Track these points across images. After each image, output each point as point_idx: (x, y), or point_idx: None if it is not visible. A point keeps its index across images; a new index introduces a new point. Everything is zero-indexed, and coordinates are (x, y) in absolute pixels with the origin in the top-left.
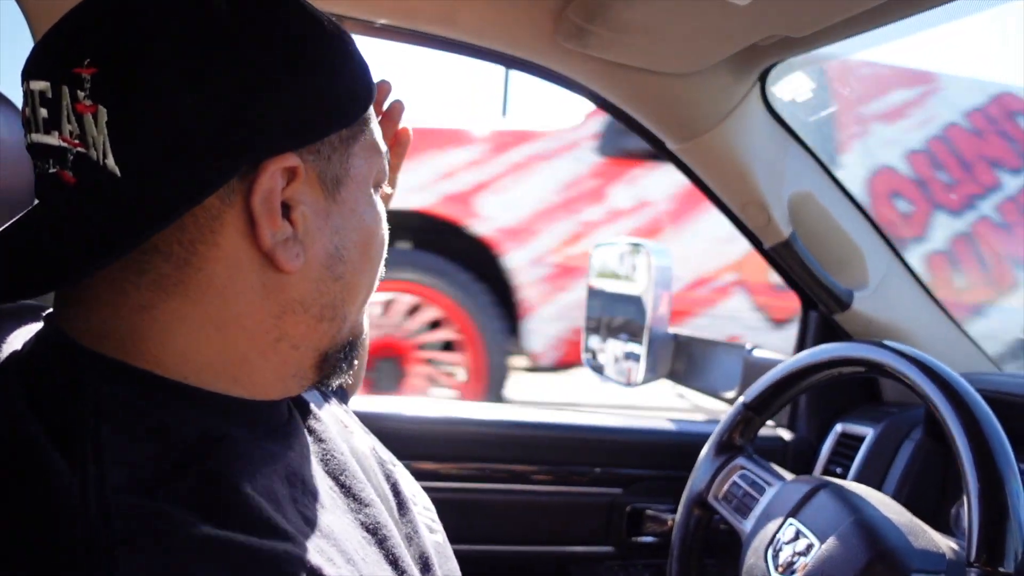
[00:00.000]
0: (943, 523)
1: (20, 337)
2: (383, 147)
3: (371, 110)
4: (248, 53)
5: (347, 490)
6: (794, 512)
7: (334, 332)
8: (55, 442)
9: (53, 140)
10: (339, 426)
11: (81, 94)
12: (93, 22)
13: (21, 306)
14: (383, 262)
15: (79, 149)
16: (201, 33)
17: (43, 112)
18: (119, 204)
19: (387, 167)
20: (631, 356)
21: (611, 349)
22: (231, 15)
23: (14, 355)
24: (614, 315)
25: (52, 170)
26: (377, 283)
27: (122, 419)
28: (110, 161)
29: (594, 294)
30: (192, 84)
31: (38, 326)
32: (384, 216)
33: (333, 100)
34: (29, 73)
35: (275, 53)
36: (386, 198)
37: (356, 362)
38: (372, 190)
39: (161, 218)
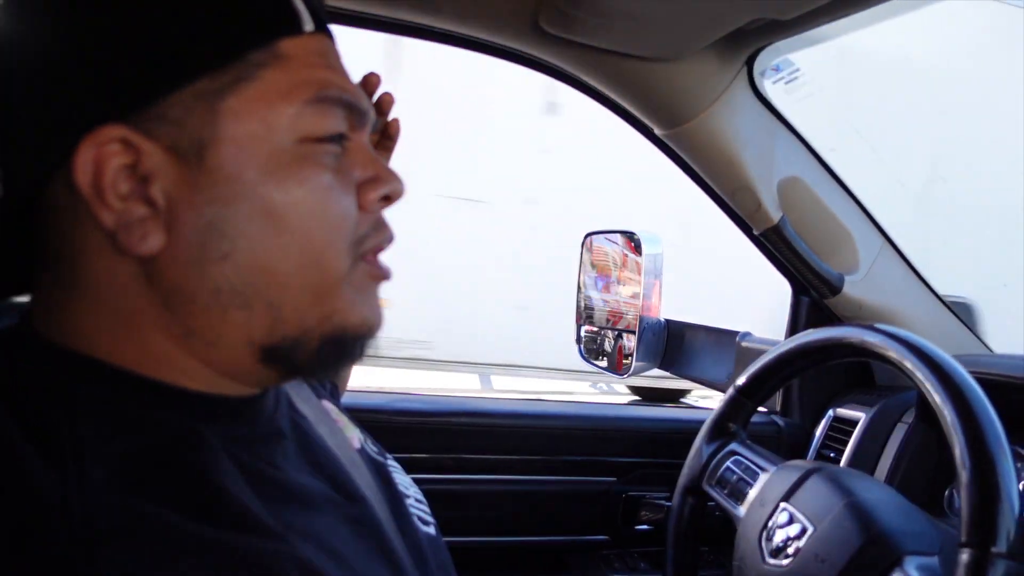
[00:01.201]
0: (936, 506)
1: None
2: (315, 91)
3: (283, 49)
4: (42, 14)
5: (336, 485)
6: (787, 497)
7: (264, 322)
8: (32, 441)
9: None
10: (327, 420)
11: None
12: None
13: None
14: (338, 236)
15: None
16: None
17: None
18: None
19: (341, 114)
20: (624, 345)
21: (603, 338)
22: None
23: None
24: (606, 303)
25: None
26: (338, 261)
27: (100, 416)
28: None
29: (586, 282)
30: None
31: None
32: (328, 179)
33: (171, 54)
34: None
35: (82, 15)
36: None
37: (349, 361)
38: (290, 146)
39: (3, 218)
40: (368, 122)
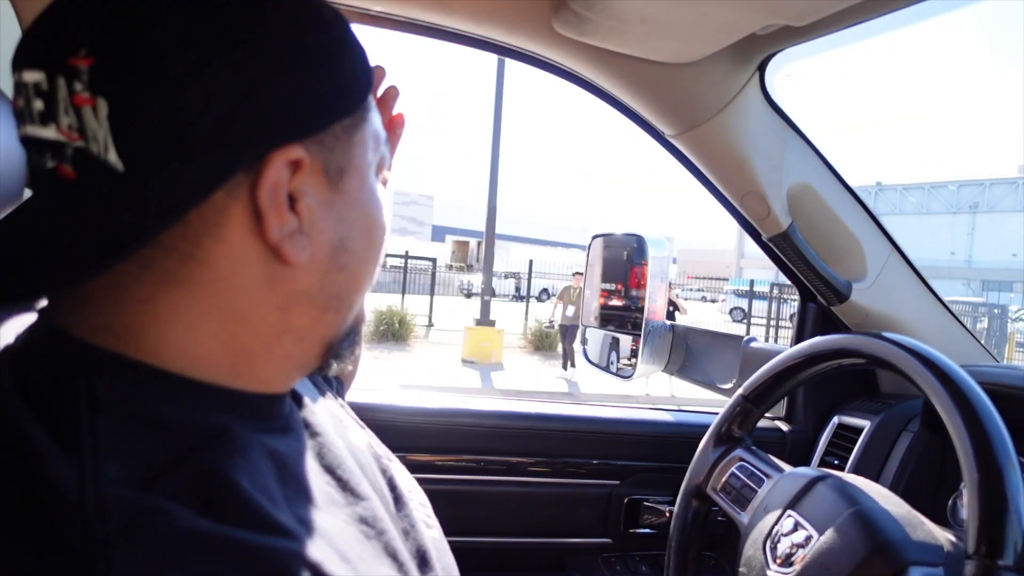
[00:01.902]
0: (940, 515)
1: (11, 329)
2: (383, 134)
3: (371, 99)
4: (251, 42)
5: (344, 484)
6: (792, 504)
7: (340, 322)
8: (51, 435)
9: (50, 133)
10: (334, 420)
11: (79, 86)
12: (86, 9)
13: None
14: (384, 250)
15: (78, 143)
16: (202, 22)
17: (39, 104)
18: (123, 201)
19: (388, 154)
20: (628, 348)
21: (608, 341)
22: (232, 4)
23: (6, 348)
24: (611, 306)
25: (50, 164)
26: (378, 271)
27: (119, 411)
28: (112, 156)
29: (591, 284)
30: (195, 75)
31: (30, 317)
32: (385, 203)
33: (335, 89)
34: (21, 62)
35: (278, 42)
36: (384, 183)
37: (356, 349)
38: (374, 178)
39: (168, 215)
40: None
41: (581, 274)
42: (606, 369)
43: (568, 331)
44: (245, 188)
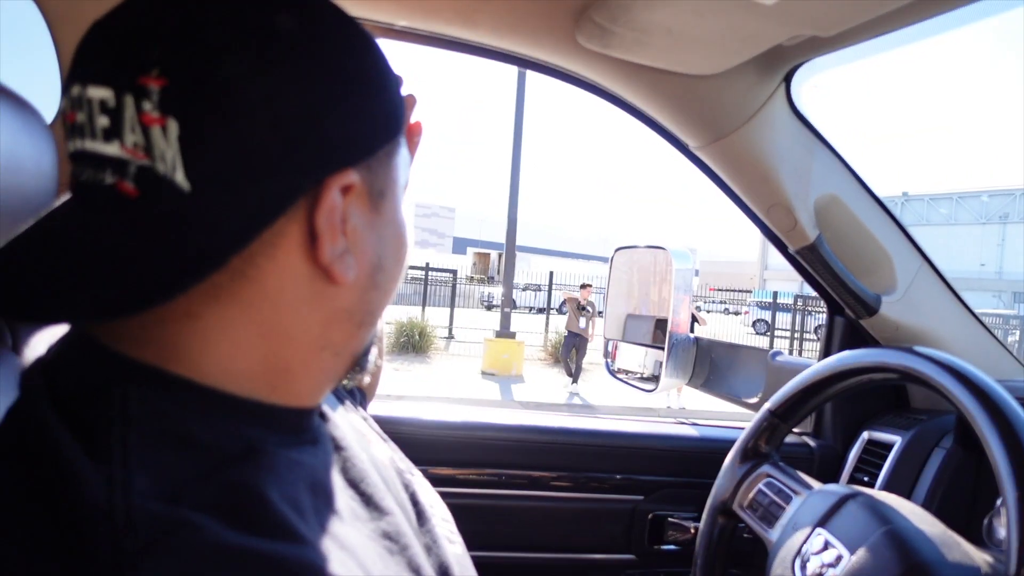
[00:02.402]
0: (976, 535)
1: (45, 340)
2: (409, 155)
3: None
4: (314, 71)
5: (367, 499)
6: (823, 522)
7: (367, 336)
8: (82, 446)
9: (113, 150)
10: (357, 434)
11: (148, 105)
12: (157, 30)
13: None
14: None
15: (143, 161)
16: (271, 50)
17: (103, 120)
18: (191, 222)
19: (408, 174)
20: (652, 361)
21: (632, 354)
22: (298, 33)
23: (40, 359)
24: (635, 319)
25: (109, 180)
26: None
27: (150, 424)
28: (179, 176)
29: (614, 298)
30: (264, 102)
31: (61, 329)
32: (410, 221)
33: (382, 114)
34: (84, 78)
35: (337, 71)
36: None
37: (378, 360)
38: (402, 197)
39: (239, 239)
40: None
41: (589, 286)
42: (629, 382)
43: (572, 340)
44: (303, 210)
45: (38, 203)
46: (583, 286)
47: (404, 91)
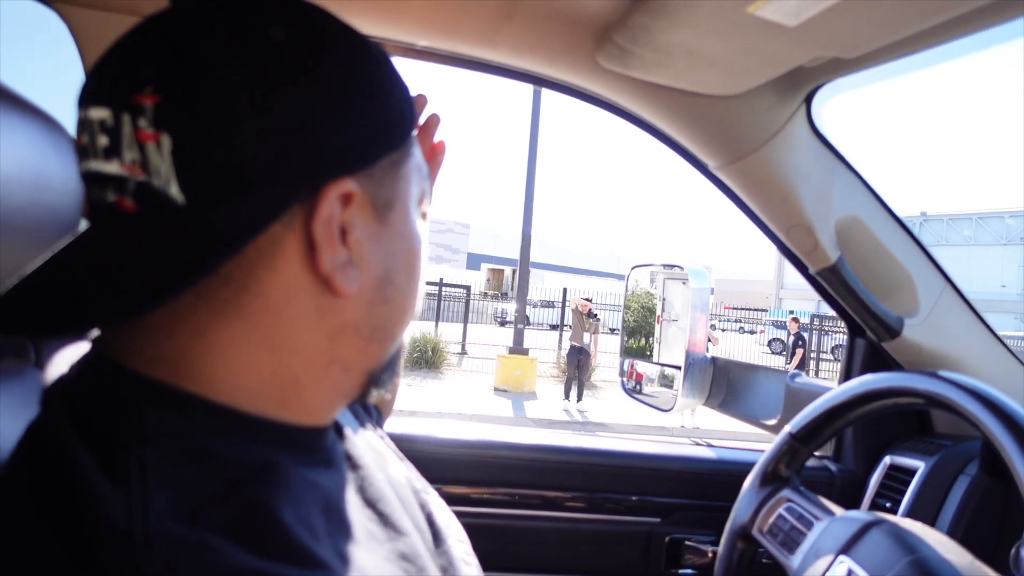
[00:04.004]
0: (1003, 565)
1: (65, 359)
2: (425, 168)
3: (415, 133)
4: (307, 80)
5: (384, 519)
6: (845, 549)
7: (383, 353)
8: (101, 466)
9: (113, 168)
10: (374, 452)
11: (143, 122)
12: (151, 49)
13: None
14: (423, 282)
15: (141, 177)
16: (262, 61)
17: (103, 140)
18: (185, 232)
19: (429, 187)
20: (668, 380)
21: (649, 374)
22: (289, 44)
23: (60, 378)
24: (650, 338)
25: (111, 198)
26: (419, 302)
27: (167, 444)
28: (174, 189)
29: (630, 316)
30: (254, 112)
31: (83, 347)
32: (426, 236)
33: (384, 124)
34: (86, 100)
35: (332, 79)
36: (423, 214)
37: (394, 378)
38: (416, 211)
39: (230, 247)
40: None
41: (589, 300)
42: (645, 401)
43: (575, 355)
44: (300, 220)
45: (64, 220)
46: (585, 299)
47: (430, 110)
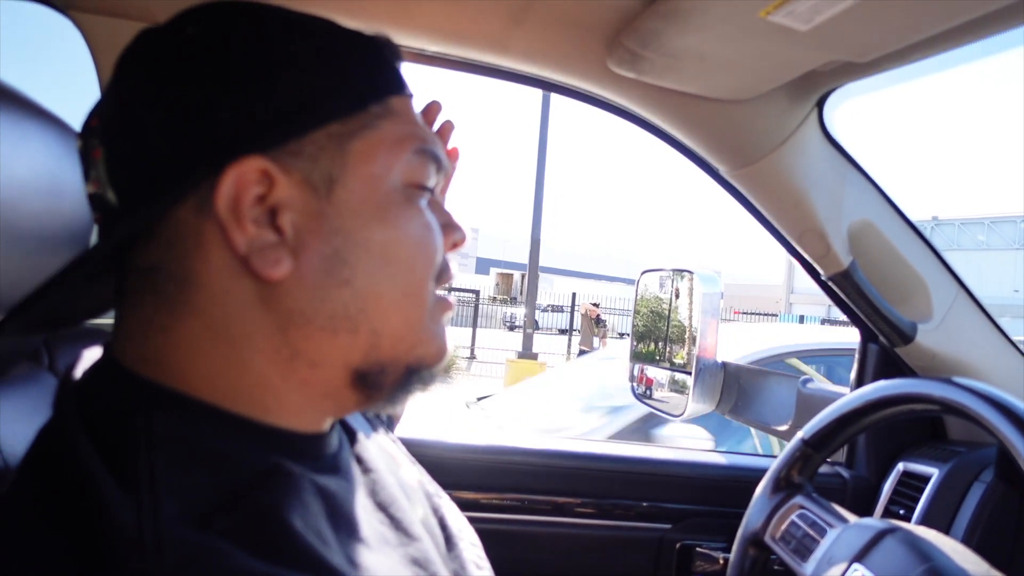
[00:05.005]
0: (1019, 573)
1: (79, 364)
2: (428, 142)
3: (393, 105)
4: (204, 68)
5: (396, 523)
6: (859, 557)
7: (364, 346)
8: (111, 470)
9: (90, 188)
10: (386, 456)
11: (95, 142)
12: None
13: (78, 332)
14: (427, 266)
15: (97, 191)
16: (164, 61)
17: (83, 166)
18: (115, 228)
19: (436, 163)
20: (679, 386)
21: (659, 379)
22: (195, 39)
23: (72, 382)
24: (661, 343)
25: (95, 215)
26: (428, 294)
27: (175, 447)
28: (110, 193)
29: (641, 322)
30: (153, 104)
31: (96, 351)
32: (428, 219)
33: (307, 98)
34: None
35: (234, 62)
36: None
37: (424, 388)
38: (399, 187)
39: (128, 226)
40: (444, 174)
41: (596, 305)
42: (655, 407)
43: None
44: (213, 205)
45: (77, 227)
46: (592, 304)
47: (443, 117)
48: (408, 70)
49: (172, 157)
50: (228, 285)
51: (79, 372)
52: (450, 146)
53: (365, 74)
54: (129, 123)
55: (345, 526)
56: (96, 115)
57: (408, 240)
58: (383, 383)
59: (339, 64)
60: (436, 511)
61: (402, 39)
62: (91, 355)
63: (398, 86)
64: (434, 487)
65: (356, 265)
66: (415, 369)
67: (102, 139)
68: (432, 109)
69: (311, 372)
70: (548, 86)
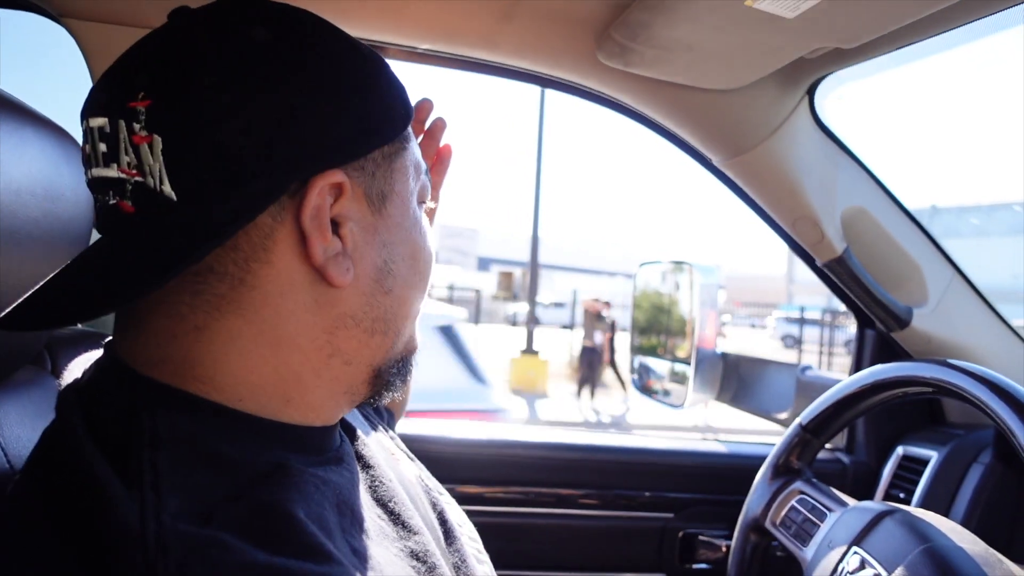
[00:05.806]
0: (1018, 553)
1: (80, 365)
2: (424, 164)
3: (410, 129)
4: (287, 77)
5: (396, 518)
6: (858, 540)
7: (387, 346)
8: (114, 469)
9: (112, 172)
10: (385, 452)
11: (137, 126)
12: (144, 59)
13: (79, 333)
14: (431, 276)
15: (137, 179)
16: (242, 62)
17: (102, 147)
18: (175, 226)
19: (429, 183)
20: (679, 377)
21: (658, 370)
22: (270, 44)
23: (75, 383)
24: (660, 335)
25: (112, 201)
26: (426, 297)
27: (178, 447)
28: (166, 187)
29: (640, 313)
30: (236, 109)
31: (97, 353)
32: (429, 230)
33: (373, 119)
34: (88, 111)
35: (314, 76)
36: (430, 213)
37: (408, 379)
38: (416, 205)
39: (214, 236)
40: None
41: (598, 300)
42: (656, 398)
43: (587, 356)
44: (290, 212)
45: (76, 230)
46: (595, 300)
47: (435, 114)
48: (400, 68)
49: (260, 164)
50: (286, 288)
51: (81, 374)
52: (442, 143)
53: (406, 98)
54: (205, 121)
55: (348, 517)
56: (144, 96)
57: (427, 252)
58: (390, 377)
59: (391, 88)
60: (435, 505)
61: (393, 37)
62: (92, 358)
63: (411, 111)
64: (433, 482)
65: (397, 275)
66: (407, 359)
67: (158, 127)
68: (424, 107)
69: (343, 370)
70: (540, 80)
